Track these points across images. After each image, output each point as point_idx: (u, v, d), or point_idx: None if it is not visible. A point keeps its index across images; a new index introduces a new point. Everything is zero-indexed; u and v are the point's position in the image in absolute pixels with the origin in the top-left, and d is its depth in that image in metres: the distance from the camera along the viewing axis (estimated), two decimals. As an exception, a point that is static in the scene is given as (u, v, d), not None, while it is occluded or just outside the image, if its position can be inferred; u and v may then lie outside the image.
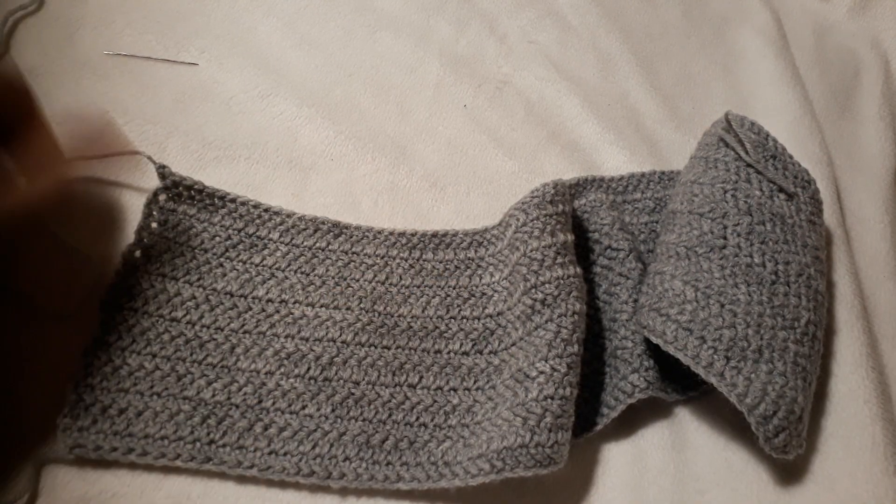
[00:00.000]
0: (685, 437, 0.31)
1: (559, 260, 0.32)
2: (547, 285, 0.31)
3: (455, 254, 0.36)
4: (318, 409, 0.30)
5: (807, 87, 0.45)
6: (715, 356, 0.28)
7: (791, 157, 0.36)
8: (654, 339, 0.30)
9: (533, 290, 0.31)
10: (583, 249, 0.35)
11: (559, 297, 0.31)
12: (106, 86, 0.39)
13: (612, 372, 0.32)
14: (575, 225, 0.35)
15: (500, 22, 0.48)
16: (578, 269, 0.32)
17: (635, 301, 0.33)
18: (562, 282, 0.31)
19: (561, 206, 0.33)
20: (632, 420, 0.32)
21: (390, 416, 0.30)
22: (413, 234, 0.36)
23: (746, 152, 0.34)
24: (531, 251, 0.32)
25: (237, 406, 0.30)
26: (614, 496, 0.30)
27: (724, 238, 0.32)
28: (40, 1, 0.41)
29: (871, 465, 0.30)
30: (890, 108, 0.46)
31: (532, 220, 0.33)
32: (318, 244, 0.35)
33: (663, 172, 0.39)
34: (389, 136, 0.40)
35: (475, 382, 0.32)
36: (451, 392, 0.31)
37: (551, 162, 0.41)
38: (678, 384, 0.32)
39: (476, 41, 0.46)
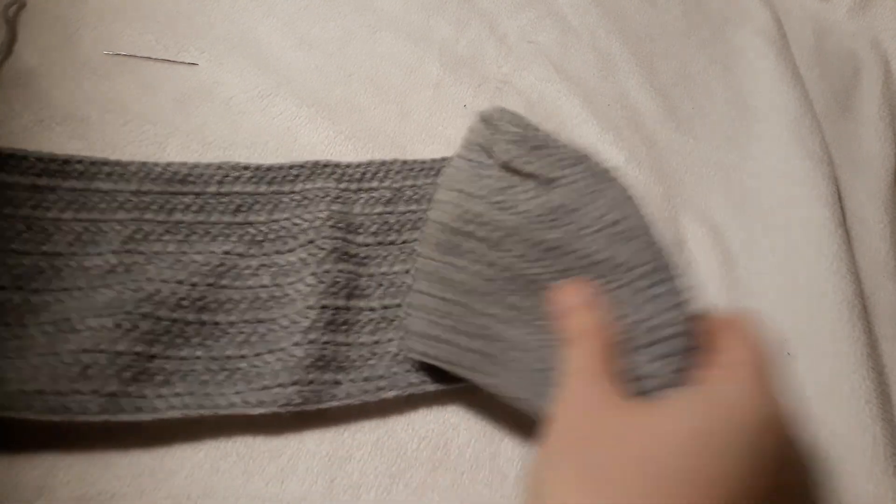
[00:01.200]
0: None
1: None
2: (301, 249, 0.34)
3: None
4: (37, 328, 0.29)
5: (807, 87, 0.45)
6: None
7: (558, 141, 0.33)
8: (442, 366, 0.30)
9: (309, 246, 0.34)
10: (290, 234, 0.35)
11: (307, 265, 0.33)
12: (106, 86, 0.39)
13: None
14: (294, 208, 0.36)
15: (500, 22, 0.48)
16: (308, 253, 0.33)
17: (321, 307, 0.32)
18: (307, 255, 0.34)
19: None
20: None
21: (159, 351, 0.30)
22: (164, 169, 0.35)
23: (509, 165, 0.32)
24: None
25: None
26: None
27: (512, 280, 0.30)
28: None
29: (871, 465, 0.30)
30: (890, 108, 0.46)
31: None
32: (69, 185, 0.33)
33: (404, 161, 0.38)
34: (389, 136, 0.40)
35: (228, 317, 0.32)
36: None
37: (551, 162, 0.41)
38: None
39: (476, 41, 0.46)
